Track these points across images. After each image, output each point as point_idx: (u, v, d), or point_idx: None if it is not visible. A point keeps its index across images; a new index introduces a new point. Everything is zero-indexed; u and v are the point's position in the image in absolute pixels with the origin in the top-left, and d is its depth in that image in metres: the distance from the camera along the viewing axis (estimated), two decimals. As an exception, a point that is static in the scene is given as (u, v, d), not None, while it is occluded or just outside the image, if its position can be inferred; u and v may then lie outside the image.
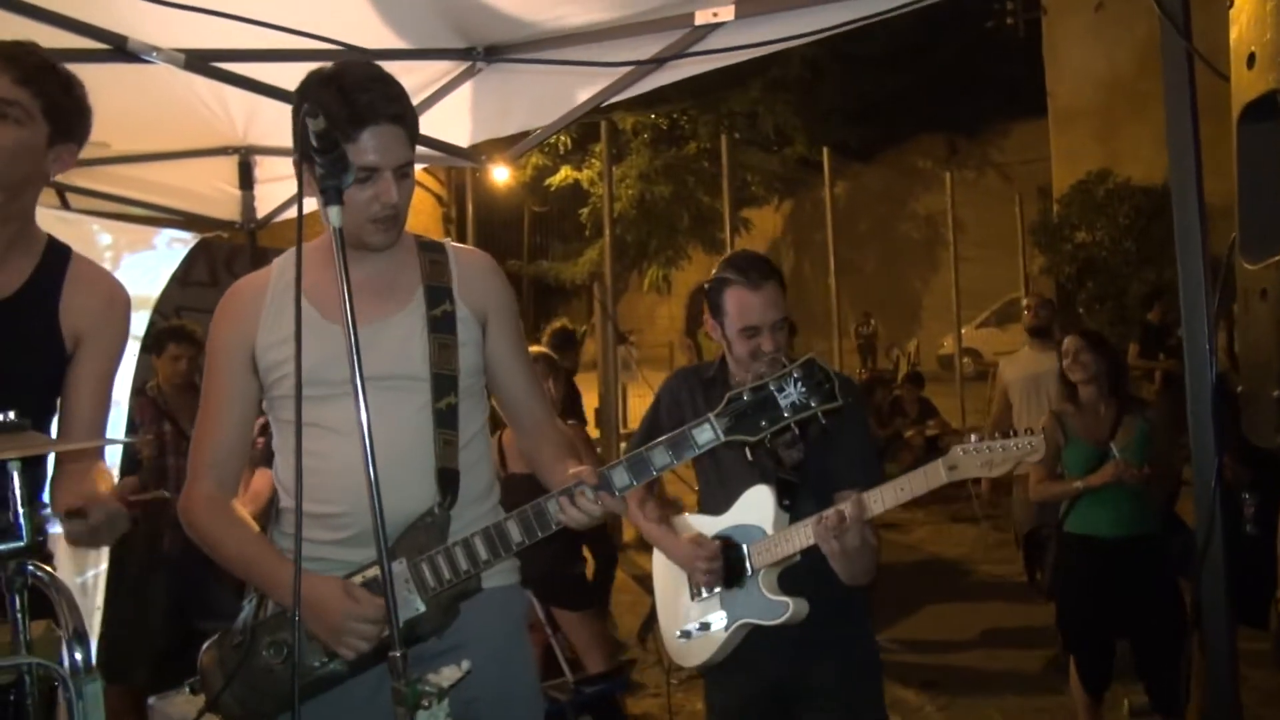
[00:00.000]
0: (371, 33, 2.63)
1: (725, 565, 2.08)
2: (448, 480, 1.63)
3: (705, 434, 1.58)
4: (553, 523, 1.58)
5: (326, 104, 1.48)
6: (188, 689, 1.69)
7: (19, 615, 1.24)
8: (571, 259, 17.86)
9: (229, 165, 3.67)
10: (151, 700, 2.11)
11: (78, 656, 1.23)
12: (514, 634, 1.75)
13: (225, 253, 4.75)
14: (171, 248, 3.64)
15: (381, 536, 1.32)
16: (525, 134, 3.33)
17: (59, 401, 1.75)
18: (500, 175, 9.54)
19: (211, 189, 3.72)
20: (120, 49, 1.99)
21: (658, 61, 2.40)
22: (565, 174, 15.39)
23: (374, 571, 1.58)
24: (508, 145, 3.58)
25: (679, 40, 2.38)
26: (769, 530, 2.05)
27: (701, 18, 2.19)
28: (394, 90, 1.61)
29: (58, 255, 1.76)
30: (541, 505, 1.59)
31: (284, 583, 1.54)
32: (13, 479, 1.23)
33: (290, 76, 2.46)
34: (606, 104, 2.76)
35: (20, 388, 1.66)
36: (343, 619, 1.53)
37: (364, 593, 1.55)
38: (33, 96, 1.61)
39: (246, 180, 3.70)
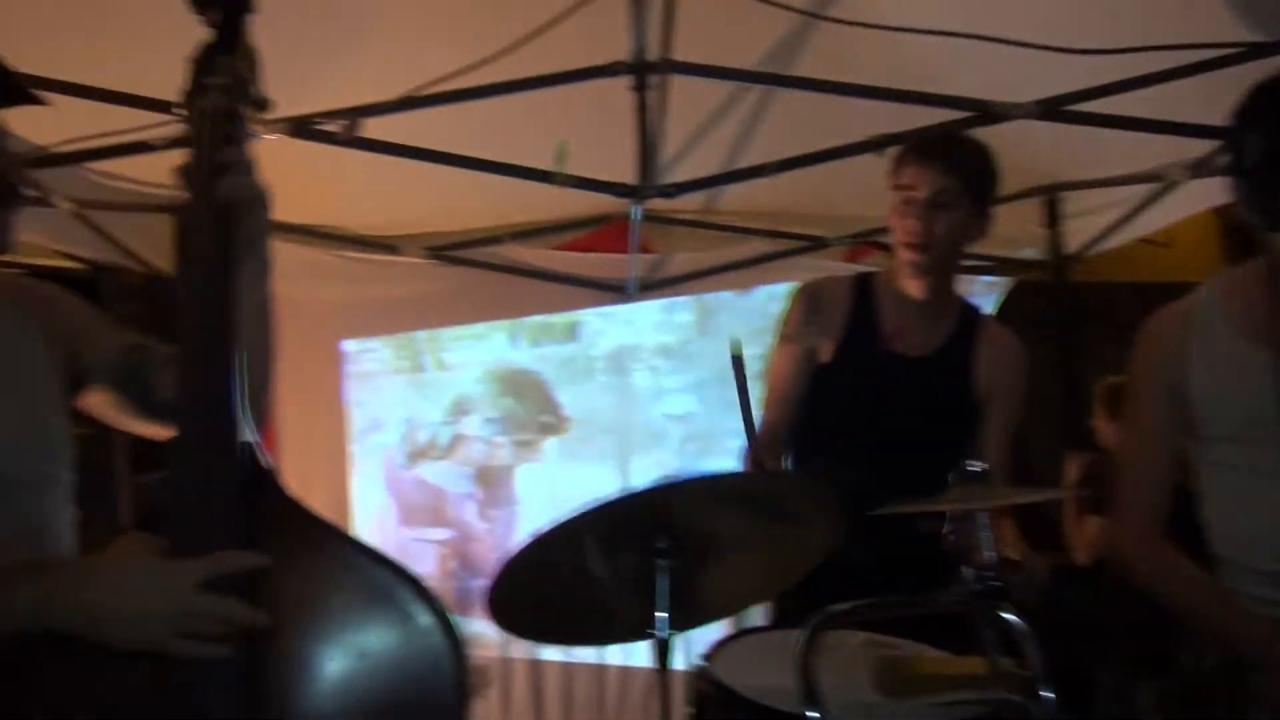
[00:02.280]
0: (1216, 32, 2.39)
1: None
2: None
3: None
4: None
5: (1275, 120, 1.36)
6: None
7: (993, 652, 1.34)
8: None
9: (1033, 206, 3.69)
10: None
11: (1047, 696, 1.27)
12: None
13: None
14: (988, 293, 3.81)
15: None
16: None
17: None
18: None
19: (1017, 230, 3.78)
20: (984, 113, 2.12)
21: None
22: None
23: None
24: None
25: None
26: None
27: None
28: None
29: (971, 317, 1.96)
30: None
31: (1244, 635, 1.43)
32: (982, 525, 1.35)
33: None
34: None
35: (935, 442, 1.88)
36: None
37: None
38: (958, 180, 1.83)
39: (1052, 217, 3.69)
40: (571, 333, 3.93)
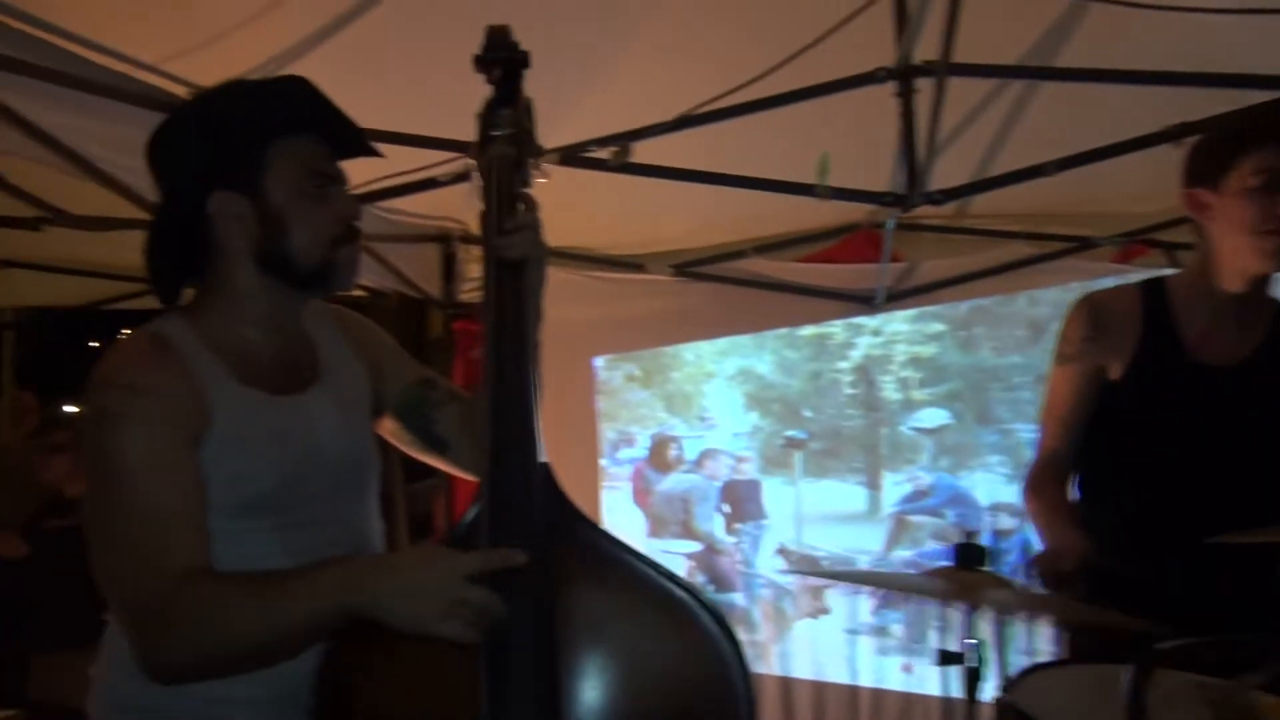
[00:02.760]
0: None
1: None
2: None
3: None
4: None
5: None
6: None
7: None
8: None
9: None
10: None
11: None
12: None
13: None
14: None
15: None
16: None
17: None
18: None
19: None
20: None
21: None
22: None
23: None
24: None
25: None
26: None
27: None
28: None
29: None
30: None
31: None
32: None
33: None
34: None
35: (1253, 461, 1.72)
36: None
37: None
38: None
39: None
40: (818, 345, 3.88)
